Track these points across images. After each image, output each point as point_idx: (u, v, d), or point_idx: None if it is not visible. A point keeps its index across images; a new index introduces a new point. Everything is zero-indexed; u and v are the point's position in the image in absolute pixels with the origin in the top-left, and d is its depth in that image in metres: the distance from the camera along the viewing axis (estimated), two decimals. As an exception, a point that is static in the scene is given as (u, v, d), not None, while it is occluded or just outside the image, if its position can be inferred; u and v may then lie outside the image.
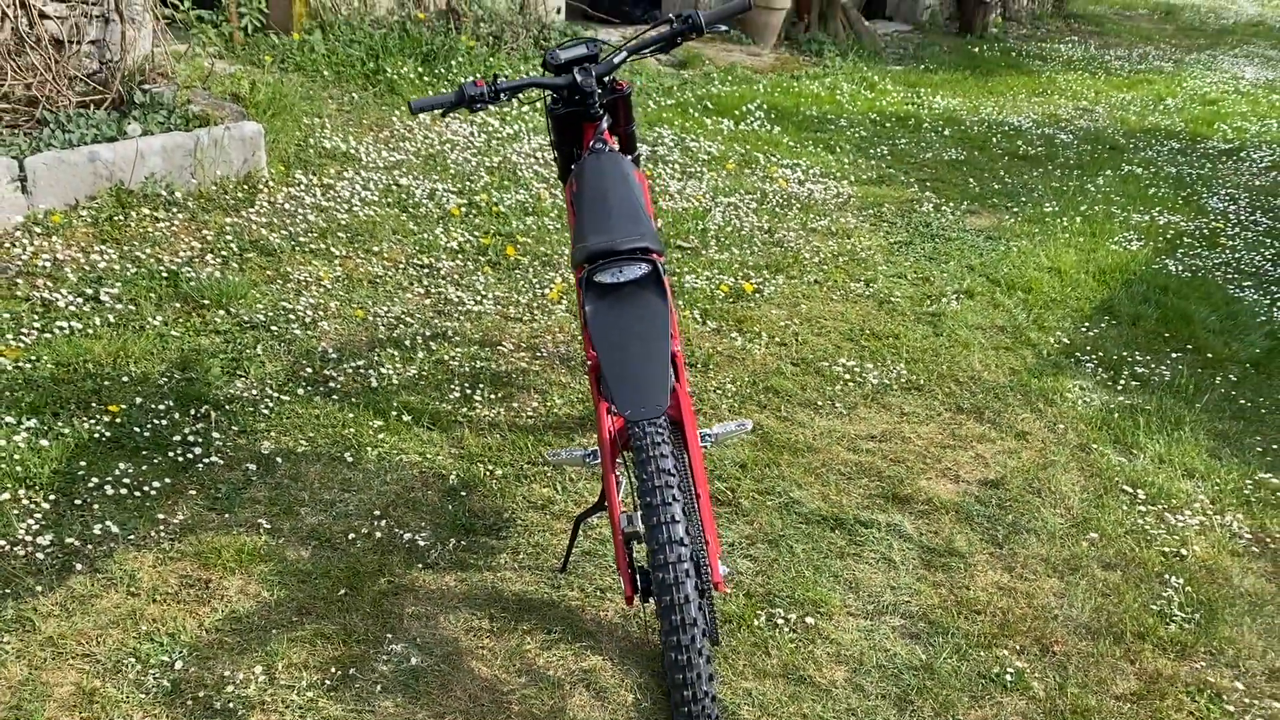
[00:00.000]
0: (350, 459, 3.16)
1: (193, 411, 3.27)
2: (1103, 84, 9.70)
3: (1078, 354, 4.28)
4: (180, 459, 3.06)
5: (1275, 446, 3.73)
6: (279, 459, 3.13)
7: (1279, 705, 2.58)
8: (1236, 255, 5.54)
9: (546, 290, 4.30)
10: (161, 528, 2.80)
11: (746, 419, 3.24)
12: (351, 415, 3.36)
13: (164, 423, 3.19)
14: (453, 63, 6.75)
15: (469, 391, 3.56)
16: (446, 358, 3.75)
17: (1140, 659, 2.68)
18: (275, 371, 3.55)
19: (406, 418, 3.37)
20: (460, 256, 4.52)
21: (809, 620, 2.70)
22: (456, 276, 4.35)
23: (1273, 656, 2.73)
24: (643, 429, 2.15)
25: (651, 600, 2.27)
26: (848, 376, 3.91)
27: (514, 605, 2.67)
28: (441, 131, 5.85)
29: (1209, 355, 4.37)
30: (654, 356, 2.04)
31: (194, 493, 2.95)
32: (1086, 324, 4.56)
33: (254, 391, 3.42)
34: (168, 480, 2.97)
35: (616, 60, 2.83)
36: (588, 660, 2.53)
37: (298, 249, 4.34)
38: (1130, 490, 3.39)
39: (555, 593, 2.73)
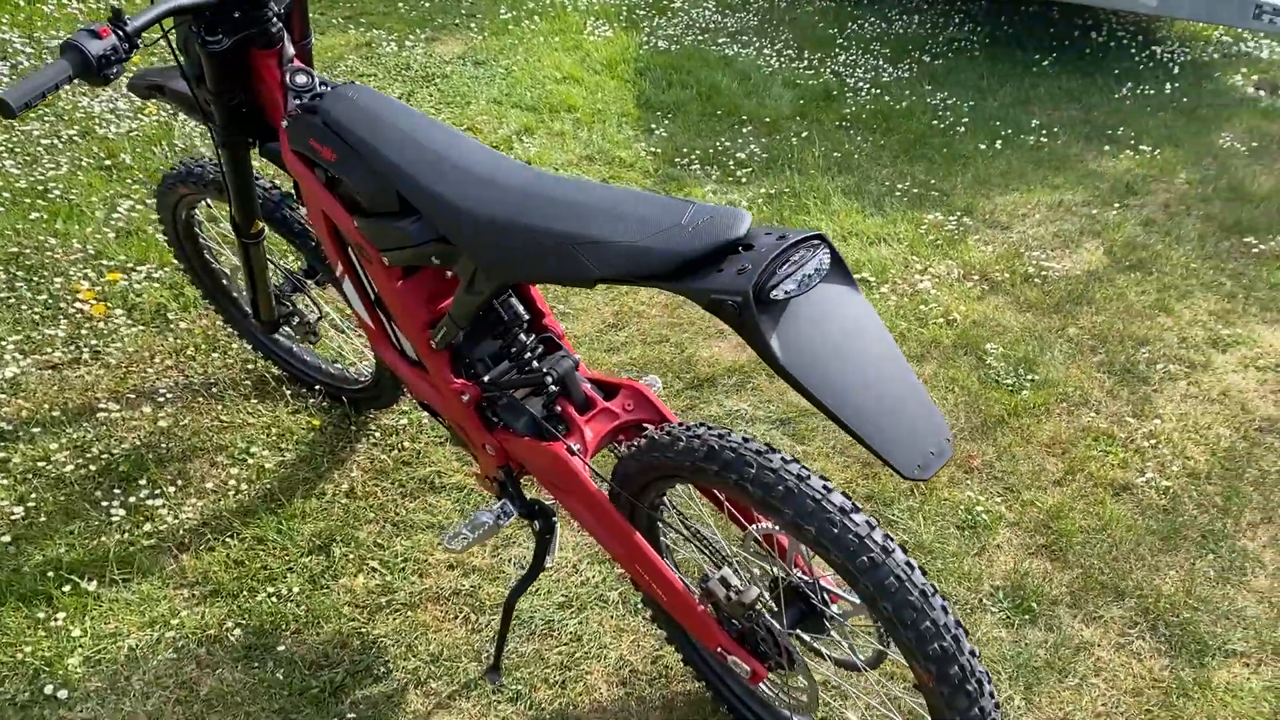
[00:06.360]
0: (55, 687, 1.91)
1: None
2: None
3: (676, 160, 4.05)
4: None
5: (889, 184, 3.91)
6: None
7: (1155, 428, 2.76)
8: (688, 16, 5.63)
9: (79, 305, 2.94)
10: None
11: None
12: (-18, 626, 2.02)
13: None
14: None
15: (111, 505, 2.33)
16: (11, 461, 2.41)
17: (1001, 425, 2.68)
18: None
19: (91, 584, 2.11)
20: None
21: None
22: (-86, 337, 2.78)
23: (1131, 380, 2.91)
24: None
25: (771, 666, 1.69)
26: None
27: (502, 757, 1.86)
28: None
29: (766, 121, 4.41)
30: (904, 377, 1.35)
31: None
32: (652, 125, 4.33)
33: None
34: None
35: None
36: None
37: None
38: (856, 273, 3.33)
39: (529, 711, 1.95)
